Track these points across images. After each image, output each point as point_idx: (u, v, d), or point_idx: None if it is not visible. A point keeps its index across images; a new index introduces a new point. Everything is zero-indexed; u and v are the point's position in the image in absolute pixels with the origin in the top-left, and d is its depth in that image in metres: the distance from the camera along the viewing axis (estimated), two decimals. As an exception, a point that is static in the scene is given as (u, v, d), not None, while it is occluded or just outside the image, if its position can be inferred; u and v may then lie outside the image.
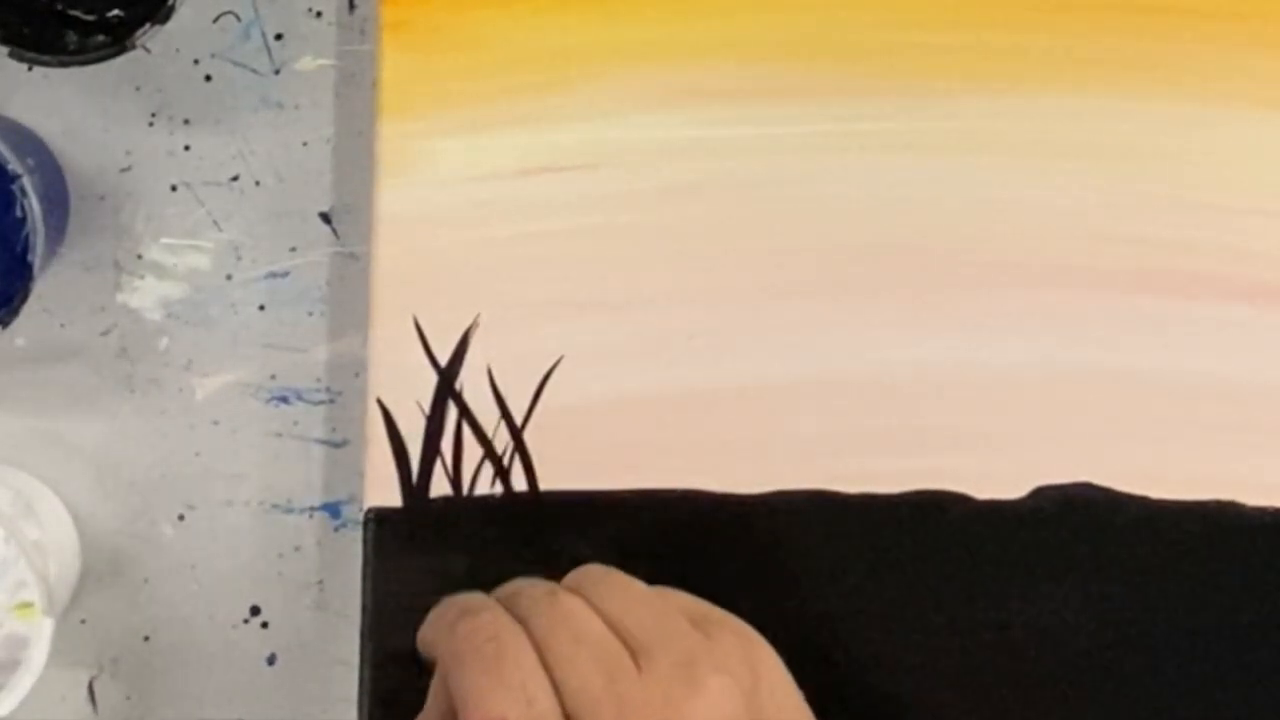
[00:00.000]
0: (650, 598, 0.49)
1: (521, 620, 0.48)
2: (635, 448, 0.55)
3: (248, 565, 0.58)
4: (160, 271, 0.58)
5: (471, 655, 0.47)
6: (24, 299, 0.53)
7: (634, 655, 0.47)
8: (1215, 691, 0.55)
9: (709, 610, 0.49)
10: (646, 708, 0.46)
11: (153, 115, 0.58)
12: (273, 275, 0.58)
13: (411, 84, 0.56)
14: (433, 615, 0.51)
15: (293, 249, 0.58)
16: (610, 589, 0.49)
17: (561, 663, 0.46)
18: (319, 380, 0.58)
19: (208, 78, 0.59)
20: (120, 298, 0.58)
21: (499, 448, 0.56)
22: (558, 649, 0.47)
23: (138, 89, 0.58)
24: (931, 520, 0.56)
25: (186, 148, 0.58)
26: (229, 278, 0.58)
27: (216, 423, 0.58)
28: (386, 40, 0.56)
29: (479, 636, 0.47)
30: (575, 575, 0.50)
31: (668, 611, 0.48)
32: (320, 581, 0.58)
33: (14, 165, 0.53)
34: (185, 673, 0.58)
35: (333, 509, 0.58)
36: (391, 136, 0.56)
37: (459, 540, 0.55)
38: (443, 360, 0.56)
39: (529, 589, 0.49)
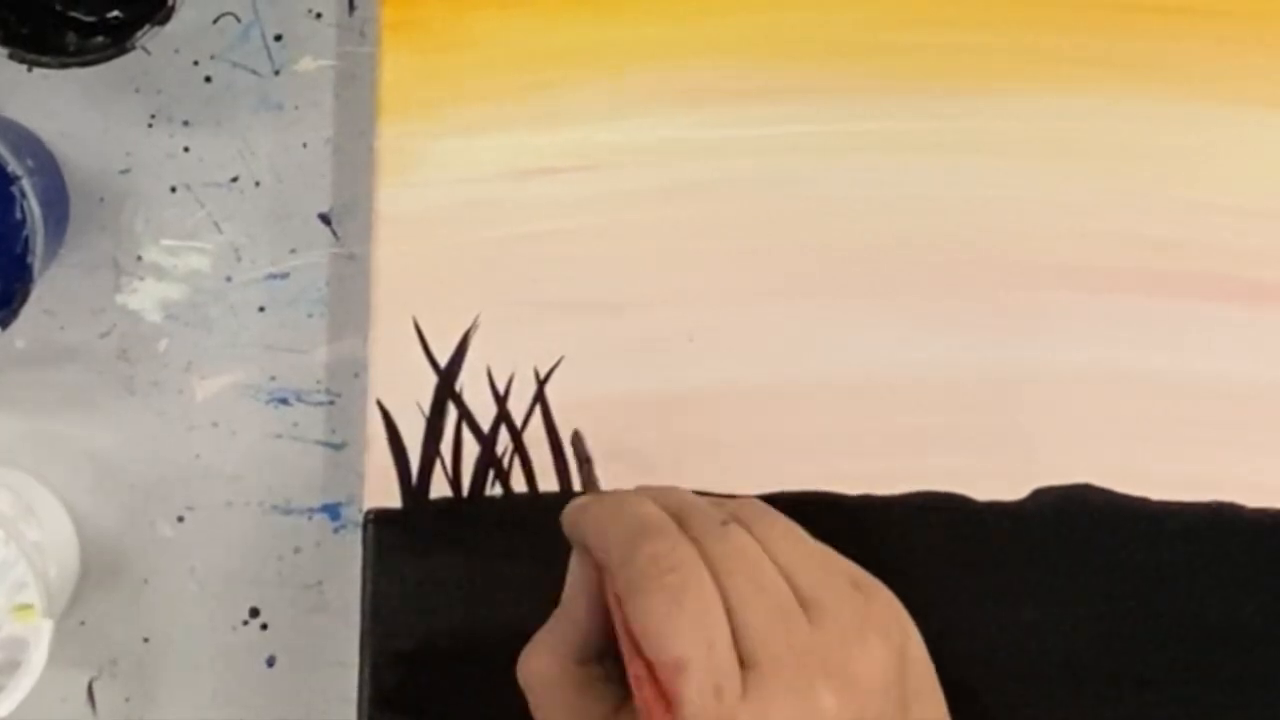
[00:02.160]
0: (815, 550, 0.49)
1: (697, 548, 0.47)
2: (635, 448, 0.55)
3: (247, 566, 0.58)
4: (160, 273, 0.58)
5: (655, 586, 0.46)
6: (24, 300, 0.53)
7: (803, 606, 0.47)
8: (1215, 691, 0.55)
9: (858, 571, 0.49)
10: (819, 663, 0.45)
11: (152, 116, 0.59)
12: (272, 276, 0.58)
13: (411, 84, 0.56)
14: (598, 510, 0.49)
15: (292, 250, 0.58)
16: (777, 533, 0.48)
17: (740, 604, 0.46)
18: (319, 381, 0.58)
19: (207, 79, 0.59)
20: (120, 299, 0.58)
21: (499, 449, 0.56)
22: (736, 589, 0.46)
23: (137, 90, 0.58)
24: (931, 520, 0.56)
25: (186, 149, 0.58)
26: (229, 279, 0.58)
27: (216, 424, 0.58)
28: (386, 41, 0.56)
29: (662, 564, 0.46)
30: (741, 509, 0.49)
31: (831, 567, 0.48)
32: (320, 583, 0.58)
33: (14, 166, 0.53)
34: (185, 674, 0.58)
35: (332, 510, 0.58)
36: (391, 137, 0.56)
37: (459, 541, 0.55)
38: (442, 361, 0.56)
39: (700, 513, 0.48)
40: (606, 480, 0.54)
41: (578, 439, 0.53)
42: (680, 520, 0.48)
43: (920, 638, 0.49)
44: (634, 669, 0.46)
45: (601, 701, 0.48)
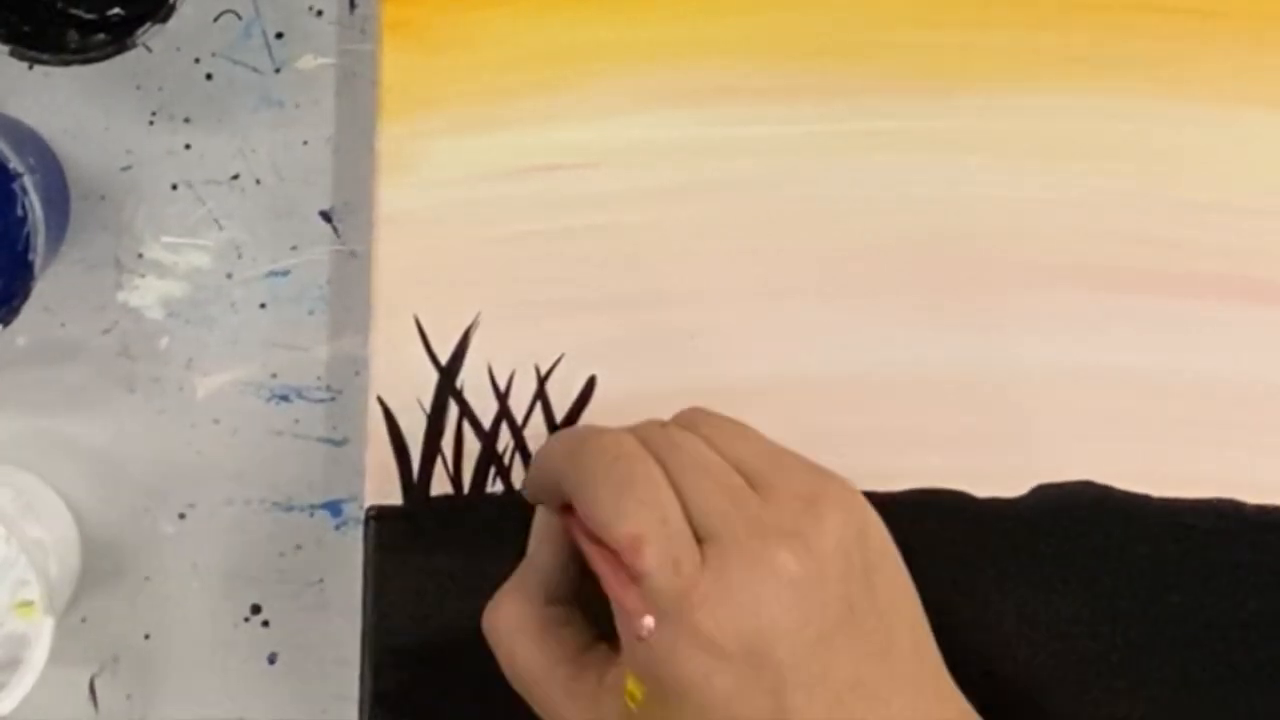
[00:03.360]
0: (762, 439, 0.50)
1: (642, 445, 0.48)
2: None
3: (248, 563, 0.58)
4: (161, 270, 0.58)
5: (602, 474, 0.47)
6: (25, 298, 0.53)
7: (752, 485, 0.48)
8: (1216, 691, 0.55)
9: (817, 466, 0.50)
10: (774, 527, 0.46)
11: (153, 114, 0.59)
12: (273, 274, 0.58)
13: (411, 84, 0.56)
14: (544, 448, 0.51)
15: (293, 247, 0.59)
16: (723, 428, 0.49)
17: (689, 486, 0.47)
18: (320, 379, 0.58)
19: (208, 76, 0.59)
20: (121, 296, 0.58)
21: (500, 446, 0.56)
22: (683, 473, 0.47)
23: (138, 88, 0.58)
24: (931, 519, 0.56)
25: (187, 146, 0.58)
26: (230, 276, 0.58)
27: (217, 421, 0.58)
28: (387, 39, 0.56)
29: (607, 455, 0.47)
30: (683, 415, 0.50)
31: (777, 449, 0.49)
32: (321, 580, 0.58)
33: (15, 164, 0.53)
34: (186, 671, 0.58)
35: (333, 507, 0.58)
36: (392, 136, 0.56)
37: (460, 539, 0.55)
38: (443, 359, 0.56)
39: (643, 424, 0.50)
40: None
41: None
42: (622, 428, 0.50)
43: (882, 524, 0.49)
44: (598, 566, 0.47)
45: (572, 639, 0.50)
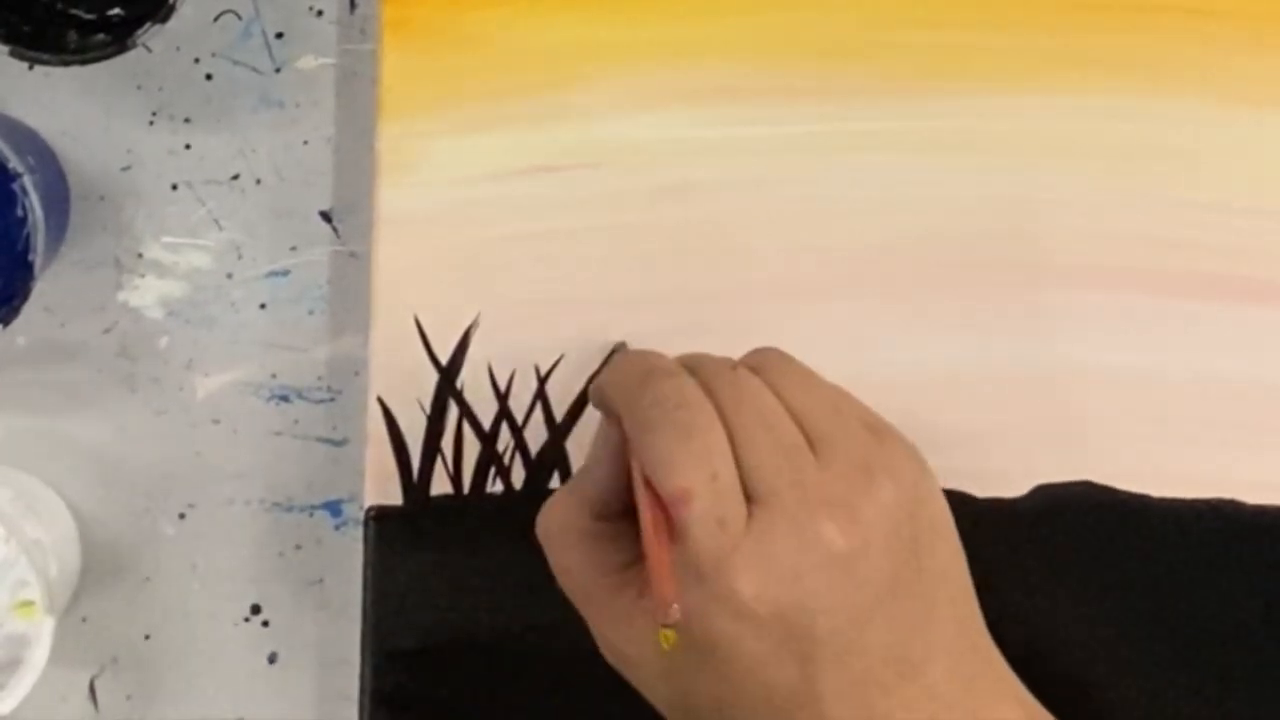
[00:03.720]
0: (829, 393, 0.49)
1: (707, 392, 0.47)
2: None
3: (248, 564, 0.58)
4: (161, 270, 0.58)
5: (661, 421, 0.46)
6: (25, 298, 0.53)
7: (812, 445, 0.47)
8: (1215, 690, 0.55)
9: (880, 420, 0.49)
10: (824, 497, 0.46)
11: (153, 114, 0.59)
12: (273, 274, 0.58)
13: (411, 84, 0.56)
14: (614, 367, 0.51)
15: (293, 248, 0.59)
16: (791, 377, 0.49)
17: (746, 442, 0.46)
18: (320, 379, 0.58)
19: (208, 76, 0.59)
20: (121, 296, 0.58)
21: (500, 446, 0.56)
22: (743, 428, 0.46)
23: (138, 88, 0.58)
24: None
25: (187, 146, 0.58)
26: (230, 276, 0.58)
27: (217, 421, 0.58)
28: (387, 39, 0.56)
29: (669, 403, 0.47)
30: (754, 356, 0.50)
31: (842, 408, 0.49)
32: (321, 580, 0.58)
33: (15, 164, 0.53)
34: (186, 671, 0.58)
35: (333, 507, 0.58)
36: (392, 136, 0.56)
37: (460, 539, 0.55)
38: (443, 359, 0.56)
39: (711, 361, 0.49)
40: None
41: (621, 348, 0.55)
42: (692, 368, 0.49)
43: (936, 485, 0.49)
44: (644, 508, 0.47)
45: (617, 554, 0.49)
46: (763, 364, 0.49)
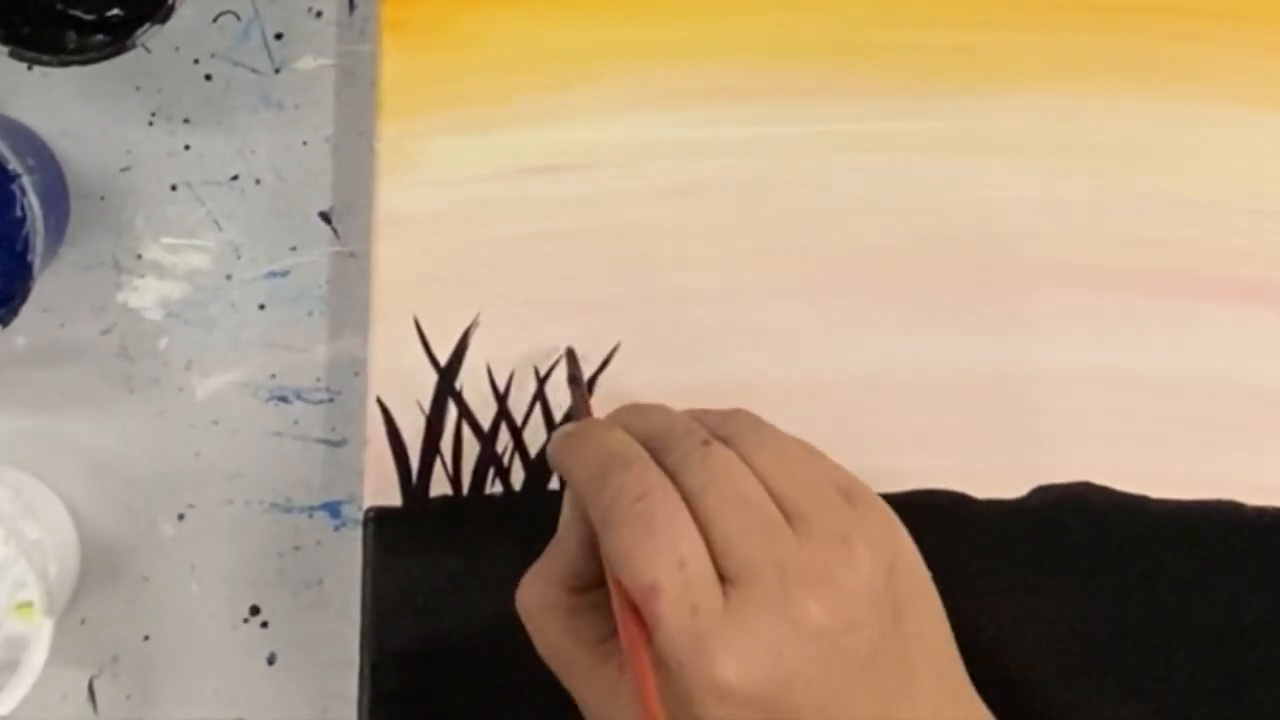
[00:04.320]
0: (803, 459, 0.48)
1: (672, 474, 0.47)
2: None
3: (247, 565, 0.58)
4: (160, 271, 0.58)
5: (622, 517, 0.46)
6: (24, 298, 0.53)
7: (788, 518, 0.46)
8: (1215, 691, 0.55)
9: (853, 481, 0.49)
10: (804, 574, 0.45)
11: (153, 115, 0.59)
12: (273, 274, 0.58)
13: (411, 84, 0.56)
14: (571, 440, 0.49)
15: (293, 248, 0.59)
16: (765, 446, 0.48)
17: (716, 522, 0.45)
18: (319, 380, 0.58)
19: (208, 77, 0.59)
20: (120, 297, 0.58)
21: (499, 447, 0.56)
22: (712, 508, 0.46)
23: (138, 88, 0.58)
24: (931, 520, 0.56)
25: (186, 147, 0.58)
26: (229, 277, 0.58)
27: (216, 422, 0.58)
28: (386, 40, 0.56)
29: (628, 497, 0.46)
30: (726, 422, 0.49)
31: (818, 476, 0.48)
32: (320, 581, 0.58)
33: (14, 165, 0.53)
34: (185, 672, 0.58)
35: (332, 508, 0.58)
36: (391, 136, 0.56)
37: (459, 540, 0.55)
38: (442, 360, 0.56)
39: (680, 437, 0.48)
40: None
41: (571, 357, 0.53)
42: (659, 444, 0.48)
43: (908, 539, 0.48)
44: (616, 600, 0.46)
45: (597, 627, 0.49)
46: (735, 433, 0.48)
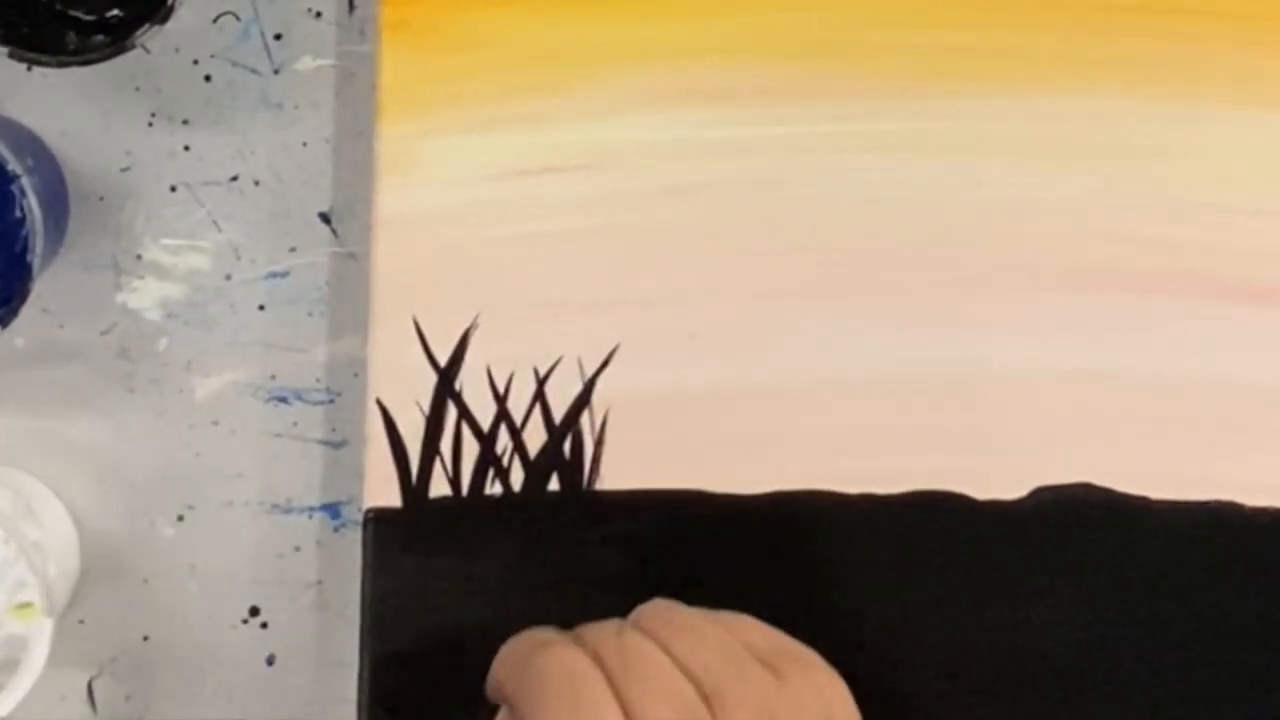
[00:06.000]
0: (719, 637, 0.48)
1: (595, 659, 0.47)
2: (635, 448, 0.55)
3: (247, 565, 0.58)
4: (160, 272, 0.58)
5: (547, 694, 0.46)
6: (23, 299, 0.53)
7: (706, 700, 0.46)
8: (1215, 692, 0.55)
9: (778, 642, 0.49)
10: None
11: (152, 115, 0.59)
12: (272, 275, 0.58)
13: (411, 84, 0.56)
14: (503, 653, 0.50)
15: (292, 249, 0.58)
16: (678, 628, 0.48)
17: (635, 708, 0.45)
18: (318, 380, 0.58)
19: (207, 78, 0.59)
20: (120, 298, 0.58)
21: (498, 448, 0.56)
22: (631, 693, 0.46)
23: (137, 89, 0.58)
24: (931, 520, 0.56)
25: (186, 148, 0.58)
26: (228, 278, 0.58)
27: (216, 423, 0.58)
28: (386, 40, 0.56)
29: (554, 673, 0.46)
30: (640, 612, 0.49)
31: (737, 653, 0.47)
32: (320, 582, 0.58)
33: (14, 165, 0.53)
34: (184, 673, 0.58)
35: (332, 509, 0.58)
36: (391, 136, 0.56)
37: (459, 540, 0.55)
38: (442, 360, 0.56)
39: (596, 627, 0.48)
40: (610, 479, 0.54)
41: None
42: (577, 637, 0.48)
43: (854, 707, 0.48)
44: None
45: None
46: (650, 622, 0.48)
